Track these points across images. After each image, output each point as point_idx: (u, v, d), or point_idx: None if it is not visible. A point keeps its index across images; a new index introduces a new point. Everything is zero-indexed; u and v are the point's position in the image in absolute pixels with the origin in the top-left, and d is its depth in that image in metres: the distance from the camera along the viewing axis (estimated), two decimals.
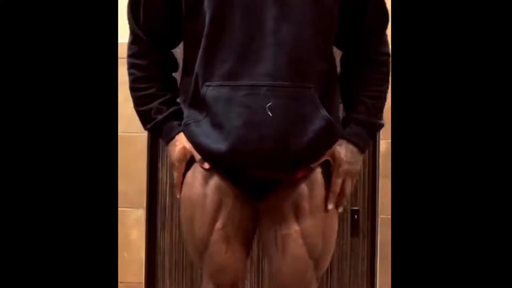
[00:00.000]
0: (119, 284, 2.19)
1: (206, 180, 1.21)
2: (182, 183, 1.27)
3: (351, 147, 1.23)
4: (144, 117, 1.28)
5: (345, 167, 1.23)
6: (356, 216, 2.27)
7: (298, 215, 1.20)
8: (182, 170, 1.26)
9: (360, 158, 1.26)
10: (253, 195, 1.23)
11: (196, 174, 1.23)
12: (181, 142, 1.24)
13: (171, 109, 1.26)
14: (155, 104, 1.25)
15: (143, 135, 2.27)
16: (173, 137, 1.25)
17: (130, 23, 1.27)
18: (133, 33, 1.27)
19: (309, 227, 1.20)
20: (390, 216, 2.17)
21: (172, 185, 2.32)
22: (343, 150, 1.23)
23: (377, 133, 2.24)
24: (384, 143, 2.21)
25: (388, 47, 1.30)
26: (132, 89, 1.28)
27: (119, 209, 2.11)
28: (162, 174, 2.33)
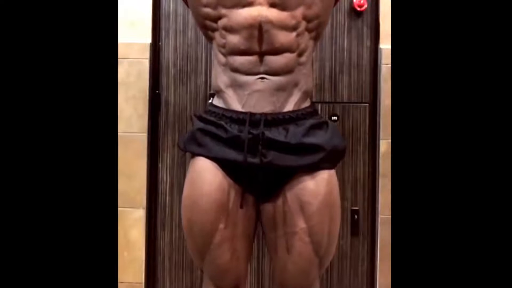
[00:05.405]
0: (119, 284, 2.19)
1: (208, 179, 1.21)
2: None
3: None
4: None
5: None
6: (356, 216, 2.27)
7: (304, 212, 1.19)
8: None
9: None
10: (256, 195, 1.23)
11: (198, 172, 1.23)
12: None
13: None
14: None
15: (143, 135, 2.27)
16: None
17: None
18: None
19: (315, 224, 1.19)
20: (390, 216, 2.17)
21: (172, 185, 2.32)
22: None
23: (377, 133, 2.25)
24: (384, 143, 2.21)
25: None
26: None
27: (119, 209, 2.11)
28: (162, 174, 2.33)
